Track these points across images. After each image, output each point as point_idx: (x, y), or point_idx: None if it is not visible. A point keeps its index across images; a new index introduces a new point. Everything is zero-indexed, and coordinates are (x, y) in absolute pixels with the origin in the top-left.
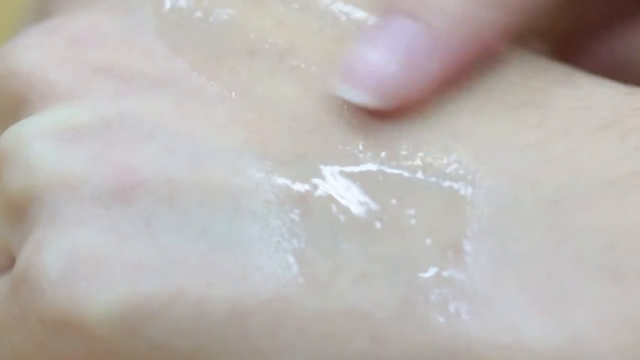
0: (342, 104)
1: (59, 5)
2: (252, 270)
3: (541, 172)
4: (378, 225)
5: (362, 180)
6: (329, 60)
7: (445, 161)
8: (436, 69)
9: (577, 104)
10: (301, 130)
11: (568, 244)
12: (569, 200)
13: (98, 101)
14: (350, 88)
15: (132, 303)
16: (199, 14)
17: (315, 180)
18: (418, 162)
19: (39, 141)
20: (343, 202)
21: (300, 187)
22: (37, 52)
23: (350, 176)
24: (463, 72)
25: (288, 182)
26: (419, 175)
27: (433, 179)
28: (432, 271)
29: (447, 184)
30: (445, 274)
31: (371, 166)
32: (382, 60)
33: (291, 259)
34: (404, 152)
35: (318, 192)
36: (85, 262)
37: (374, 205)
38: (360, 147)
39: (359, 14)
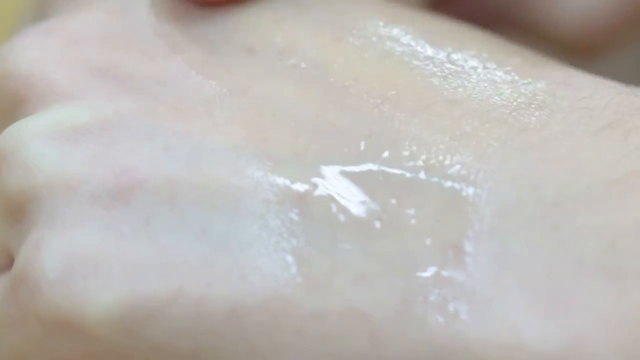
0: (343, 104)
1: (58, 5)
2: (251, 270)
3: (543, 173)
4: (378, 225)
5: (363, 180)
6: (328, 59)
7: (447, 162)
8: None
9: (578, 104)
10: (301, 130)
11: (568, 245)
12: (570, 200)
13: (96, 101)
14: None
15: (131, 303)
16: (196, 12)
17: (315, 180)
18: (420, 162)
19: (37, 141)
20: (343, 201)
21: (299, 186)
22: (36, 53)
23: (351, 176)
24: None
25: (287, 181)
26: (421, 175)
27: (435, 180)
28: (431, 271)
29: (448, 184)
30: (444, 274)
31: (372, 166)
32: None
33: (290, 259)
34: (406, 153)
35: (318, 192)
36: (84, 262)
37: (373, 205)
38: (362, 147)
39: (357, 13)
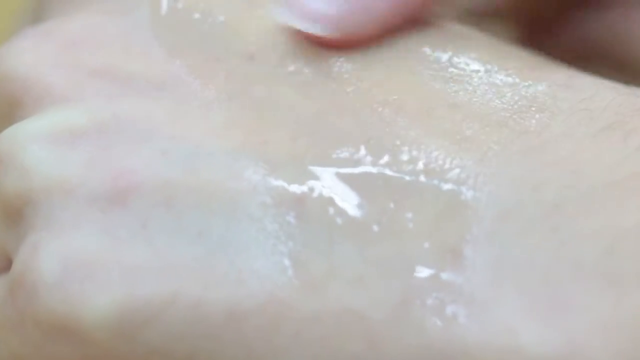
0: (344, 108)
1: (56, 7)
2: (249, 273)
3: (543, 176)
4: (375, 228)
5: (361, 184)
6: (329, 65)
7: (447, 166)
8: (383, 7)
9: (578, 106)
10: (300, 133)
11: (567, 248)
12: (569, 203)
13: (94, 104)
14: (294, 15)
15: (128, 307)
16: (197, 16)
17: (313, 183)
18: (419, 166)
19: (34, 144)
20: (340, 205)
21: (297, 189)
22: (33, 55)
23: (349, 179)
24: (410, 19)
25: (285, 184)
26: (420, 179)
27: (434, 183)
28: (429, 274)
29: (447, 188)
30: (442, 277)
31: (371, 170)
32: None
33: (287, 262)
34: (406, 157)
35: (315, 195)
36: (81, 266)
37: (372, 209)
38: (361, 151)
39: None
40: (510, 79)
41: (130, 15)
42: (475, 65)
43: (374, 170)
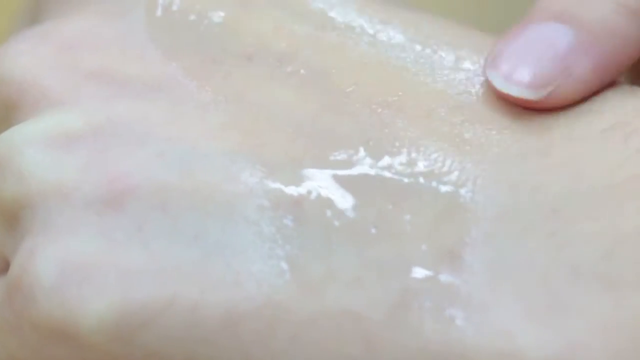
0: (342, 110)
1: (53, 8)
2: (245, 277)
3: (542, 179)
4: (373, 230)
5: (359, 186)
6: (328, 65)
7: (445, 168)
8: (588, 72)
9: (580, 107)
10: (298, 135)
11: (566, 251)
12: (568, 206)
13: (90, 107)
14: (508, 81)
15: (125, 310)
16: (192, 17)
17: (310, 185)
18: (418, 169)
19: (30, 148)
20: (338, 207)
21: (294, 192)
22: (29, 58)
23: (347, 181)
24: (605, 82)
25: (282, 186)
26: (418, 181)
27: (432, 186)
28: (427, 277)
29: (446, 190)
30: (440, 280)
31: (369, 171)
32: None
33: (284, 265)
34: (405, 159)
35: (313, 197)
36: (78, 270)
37: (369, 211)
38: (360, 153)
39: (357, 18)
40: None
41: (126, 17)
42: (475, 66)
43: (372, 172)
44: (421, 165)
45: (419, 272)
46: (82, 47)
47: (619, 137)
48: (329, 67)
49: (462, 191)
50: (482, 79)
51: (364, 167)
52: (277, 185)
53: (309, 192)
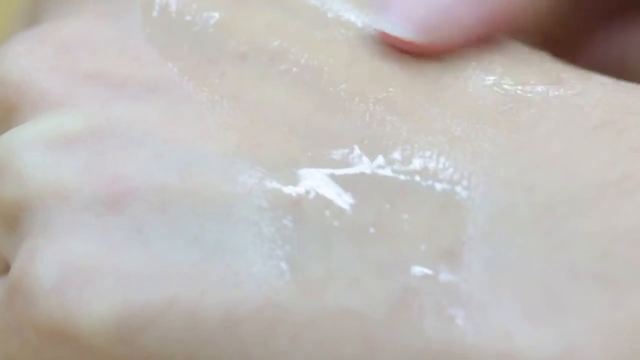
0: (335, 108)
1: (50, 10)
2: (245, 277)
3: (536, 176)
4: (372, 230)
5: (356, 185)
6: (320, 62)
7: (440, 165)
8: (472, 24)
9: (569, 102)
10: (294, 135)
11: (562, 251)
12: (563, 205)
13: (88, 109)
14: (390, 19)
15: (125, 312)
16: (188, 17)
17: (308, 185)
18: (413, 166)
19: (29, 150)
20: (336, 207)
21: (293, 192)
22: (28, 60)
23: (344, 181)
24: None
25: (280, 187)
26: (414, 179)
27: (428, 184)
28: (426, 276)
29: (441, 188)
30: (440, 279)
31: (365, 171)
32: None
33: (284, 265)
34: (399, 157)
35: (311, 197)
36: (78, 272)
37: (368, 210)
38: (355, 152)
39: (349, 14)
40: (500, 76)
41: (123, 18)
42: (464, 62)
43: (368, 171)
44: (416, 163)
45: (419, 271)
46: (80, 49)
47: (611, 135)
48: (320, 64)
49: (458, 189)
50: (470, 75)
51: (360, 166)
52: (275, 185)
53: (308, 192)
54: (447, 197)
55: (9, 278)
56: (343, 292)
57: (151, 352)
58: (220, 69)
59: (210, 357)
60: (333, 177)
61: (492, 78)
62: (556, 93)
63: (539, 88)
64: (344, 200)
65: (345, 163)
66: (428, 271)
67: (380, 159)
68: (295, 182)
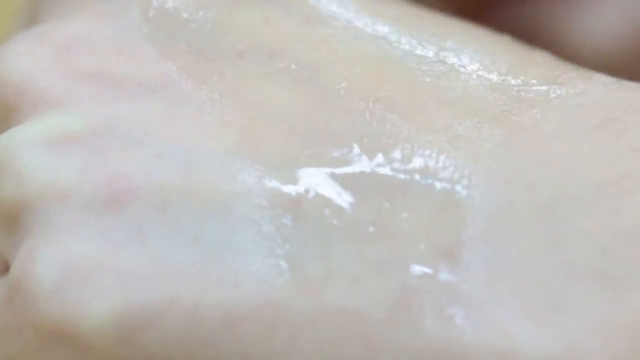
0: (335, 106)
1: (49, 10)
2: (245, 277)
3: (536, 175)
4: (371, 229)
5: (356, 184)
6: (319, 60)
7: (440, 164)
8: None
9: (570, 101)
10: (293, 133)
11: (561, 250)
12: (563, 204)
13: (88, 108)
14: None
15: (125, 312)
16: (185, 15)
17: (308, 184)
18: (413, 165)
19: (29, 150)
20: (336, 205)
21: (292, 190)
22: (27, 60)
23: (344, 179)
24: None
25: (280, 186)
26: (414, 178)
27: (428, 183)
28: (426, 275)
29: (441, 187)
30: (439, 278)
31: (365, 169)
32: None
33: (284, 264)
34: (399, 156)
35: (311, 196)
36: (78, 271)
37: (367, 209)
38: (355, 151)
39: (344, 11)
40: (501, 75)
41: (122, 18)
42: (465, 60)
43: (367, 169)
44: (416, 162)
45: (418, 271)
46: (79, 49)
47: (611, 134)
48: (319, 62)
49: (458, 188)
50: (470, 71)
51: (360, 164)
52: (275, 184)
53: (307, 191)
54: (447, 196)
55: (8, 278)
56: (342, 291)
57: (151, 351)
58: (218, 68)
59: (210, 357)
60: (333, 175)
61: (494, 78)
62: (558, 93)
63: (541, 88)
64: (343, 199)
65: (345, 162)
66: (428, 270)
67: (380, 158)
68: (294, 180)
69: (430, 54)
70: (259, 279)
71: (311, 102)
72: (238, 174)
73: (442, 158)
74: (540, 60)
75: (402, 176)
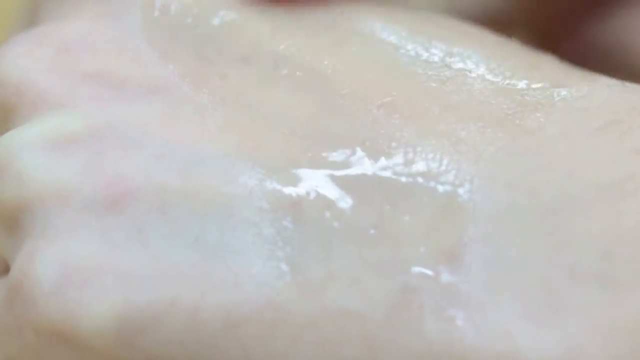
0: (337, 110)
1: (49, 10)
2: (246, 279)
3: (538, 178)
4: (372, 231)
5: (357, 187)
6: (323, 66)
7: (443, 168)
8: None
9: (574, 104)
10: (294, 136)
11: (563, 252)
12: (565, 206)
13: (88, 109)
14: None
15: (126, 313)
16: (189, 20)
17: (309, 187)
18: (415, 168)
19: (29, 151)
20: (337, 208)
21: (293, 193)
22: (27, 61)
23: (345, 182)
24: None
25: (281, 188)
26: (416, 181)
27: (430, 186)
28: (427, 277)
29: (443, 190)
30: (440, 280)
31: (367, 172)
32: None
33: (284, 267)
34: (401, 159)
35: (311, 199)
36: (78, 273)
37: (368, 212)
38: (357, 154)
39: (353, 17)
40: (505, 79)
41: (123, 19)
42: (470, 64)
43: (369, 172)
44: (418, 165)
45: (419, 272)
46: (79, 50)
47: (614, 136)
48: (324, 68)
49: (460, 191)
50: (475, 75)
51: (361, 167)
52: (275, 186)
53: (308, 193)
54: (448, 199)
55: (8, 279)
56: (343, 293)
57: (151, 353)
58: (221, 72)
59: (210, 359)
60: (333, 178)
61: (499, 81)
62: (562, 95)
63: (545, 91)
64: (344, 201)
65: (346, 164)
66: (428, 272)
67: (382, 161)
68: (295, 183)
69: (436, 59)
70: (259, 281)
71: (313, 105)
72: (239, 176)
73: (444, 161)
74: (545, 64)
75: (404, 179)
